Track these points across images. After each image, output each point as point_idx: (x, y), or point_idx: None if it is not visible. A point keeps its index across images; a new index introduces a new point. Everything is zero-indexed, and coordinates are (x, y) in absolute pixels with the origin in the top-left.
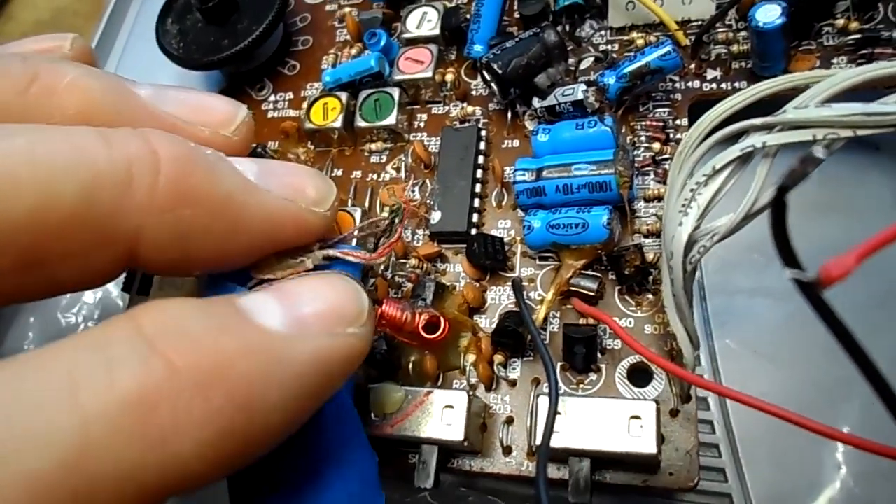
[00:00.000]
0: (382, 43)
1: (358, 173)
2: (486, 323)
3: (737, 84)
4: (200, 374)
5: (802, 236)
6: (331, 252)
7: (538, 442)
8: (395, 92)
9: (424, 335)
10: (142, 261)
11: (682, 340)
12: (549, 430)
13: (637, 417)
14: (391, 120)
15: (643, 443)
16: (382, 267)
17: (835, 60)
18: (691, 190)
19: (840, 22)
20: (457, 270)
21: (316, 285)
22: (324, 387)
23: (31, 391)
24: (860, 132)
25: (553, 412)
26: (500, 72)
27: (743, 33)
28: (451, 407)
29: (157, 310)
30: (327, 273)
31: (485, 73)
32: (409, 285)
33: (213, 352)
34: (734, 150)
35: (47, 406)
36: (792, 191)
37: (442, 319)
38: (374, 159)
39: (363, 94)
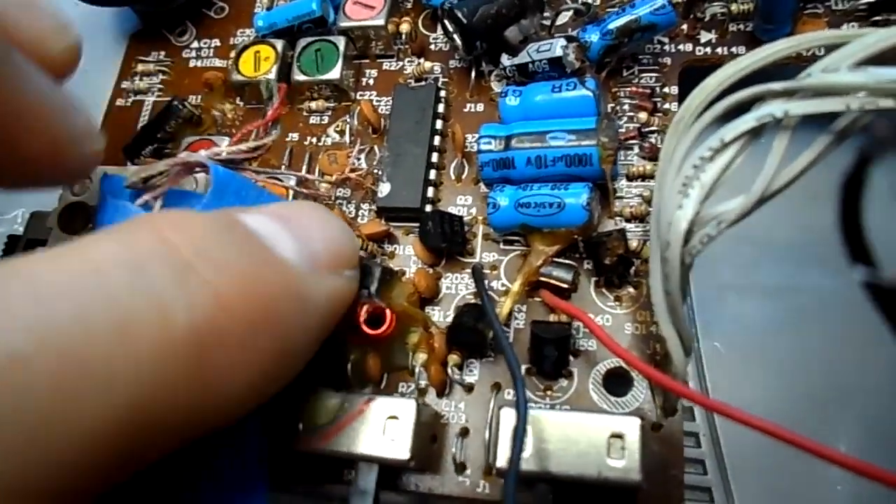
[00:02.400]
0: None
1: (295, 136)
2: (441, 316)
3: (734, 49)
4: (250, 314)
5: (799, 228)
6: (213, 150)
7: (499, 462)
8: (341, 42)
9: (367, 330)
10: None
11: (672, 345)
12: (517, 452)
13: (618, 436)
14: (335, 74)
15: (625, 468)
16: None
17: (844, 26)
18: (694, 167)
19: None
20: (407, 253)
21: (313, 220)
22: (327, 329)
23: (79, 326)
24: None
25: (522, 430)
26: (464, 21)
27: None
28: (396, 418)
29: (180, 223)
30: (310, 204)
31: (446, 22)
32: None
33: (258, 289)
34: (748, 120)
35: (100, 348)
36: (877, 160)
37: (388, 311)
38: (313, 120)
39: (302, 42)
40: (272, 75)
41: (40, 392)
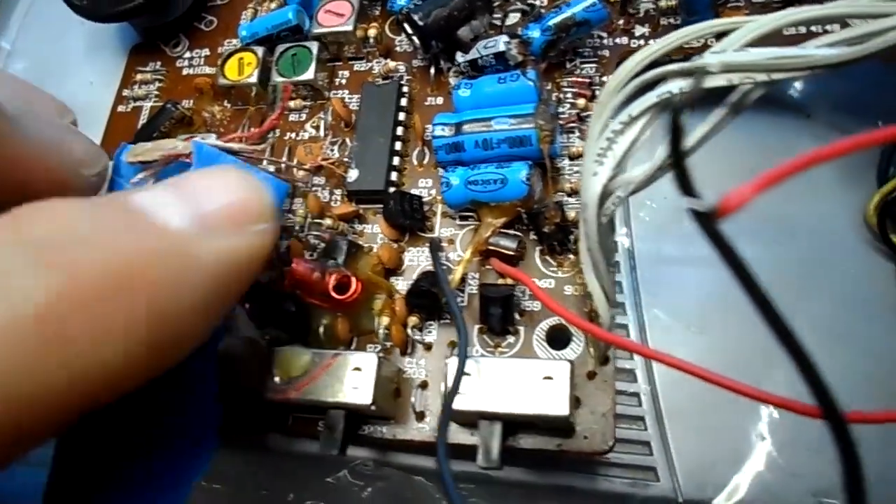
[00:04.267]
0: None
1: (277, 132)
2: (404, 285)
3: None
4: (106, 282)
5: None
6: (210, 140)
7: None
8: (314, 46)
9: (335, 295)
10: None
11: (597, 298)
12: (454, 390)
13: (549, 378)
14: (309, 75)
15: (555, 404)
16: (297, 227)
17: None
18: (607, 139)
19: None
20: (375, 231)
21: (213, 181)
22: (233, 286)
23: None
24: (775, 76)
25: (460, 372)
26: (420, 23)
27: None
28: (360, 370)
29: (42, 212)
30: (224, 167)
31: (406, 26)
32: (323, 245)
33: (122, 257)
34: (650, 97)
35: None
36: (686, 113)
37: (353, 280)
38: (293, 117)
39: (280, 48)
40: (254, 78)
41: None
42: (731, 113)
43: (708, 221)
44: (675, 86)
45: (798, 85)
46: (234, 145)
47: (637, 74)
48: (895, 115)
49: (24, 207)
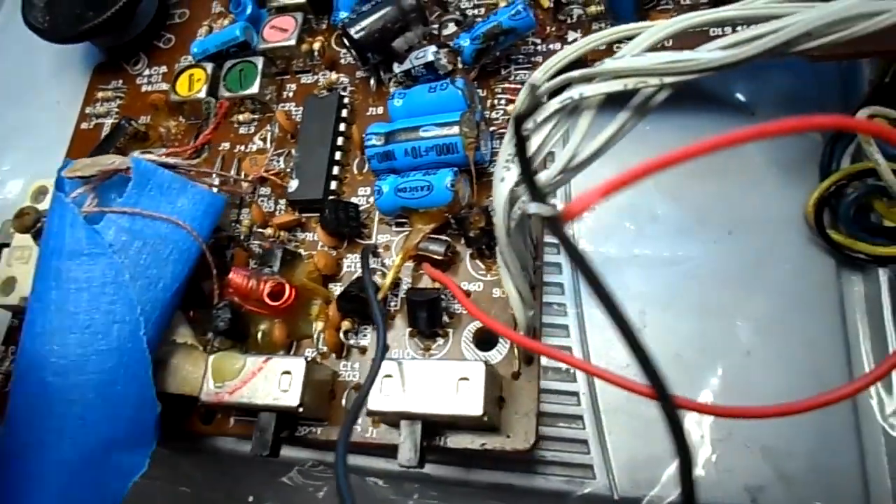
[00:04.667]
0: (248, 11)
1: (226, 145)
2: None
3: None
4: None
5: (680, 201)
6: (147, 156)
7: (369, 405)
8: (259, 61)
9: (269, 302)
10: None
11: (512, 300)
12: (366, 389)
13: (466, 379)
14: (254, 89)
15: (470, 405)
16: (242, 237)
17: None
18: (515, 146)
19: None
20: (315, 239)
21: None
22: None
23: None
24: (667, 79)
25: (375, 371)
26: (355, 36)
27: None
28: (289, 373)
29: None
30: None
31: (345, 39)
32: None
33: None
34: (553, 104)
35: None
36: (527, 120)
37: (287, 287)
38: (242, 130)
39: (227, 64)
40: (203, 94)
41: None
42: (634, 116)
43: (555, 225)
44: (575, 91)
45: (742, 83)
46: (171, 160)
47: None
48: (840, 112)
49: None
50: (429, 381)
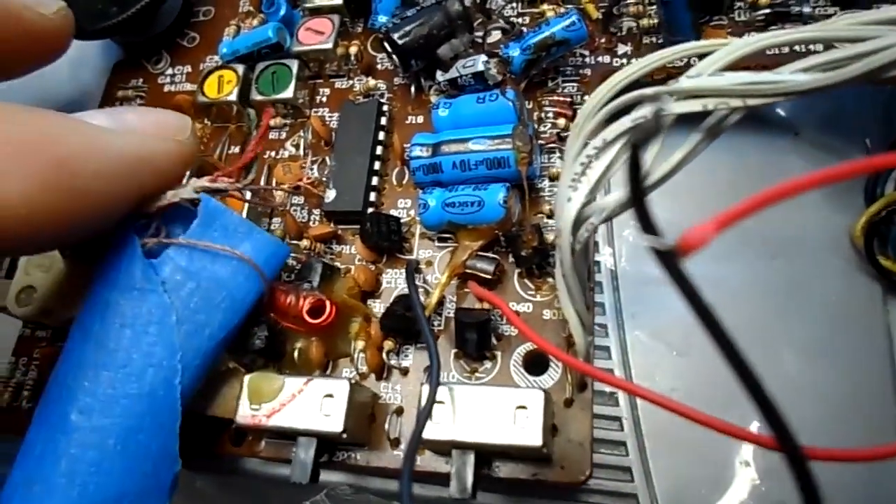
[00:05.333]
0: (282, 12)
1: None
2: (381, 308)
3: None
4: (22, 136)
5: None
6: (199, 183)
7: (424, 434)
8: (294, 64)
9: (309, 319)
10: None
11: (573, 325)
12: (423, 418)
13: (523, 407)
14: (288, 93)
15: (529, 434)
16: None
17: (745, 36)
18: (581, 164)
19: None
20: (352, 252)
21: (140, 109)
22: (143, 174)
23: None
24: (750, 101)
25: (431, 400)
26: (399, 42)
27: (654, 7)
28: (331, 396)
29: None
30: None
31: (386, 44)
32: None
33: (36, 122)
34: (625, 122)
35: None
36: (645, 147)
37: (328, 303)
38: (272, 135)
39: (260, 66)
40: (233, 96)
41: None
42: (707, 137)
43: (669, 260)
44: (649, 110)
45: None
46: (221, 185)
47: (614, 97)
48: (884, 133)
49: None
50: (483, 409)
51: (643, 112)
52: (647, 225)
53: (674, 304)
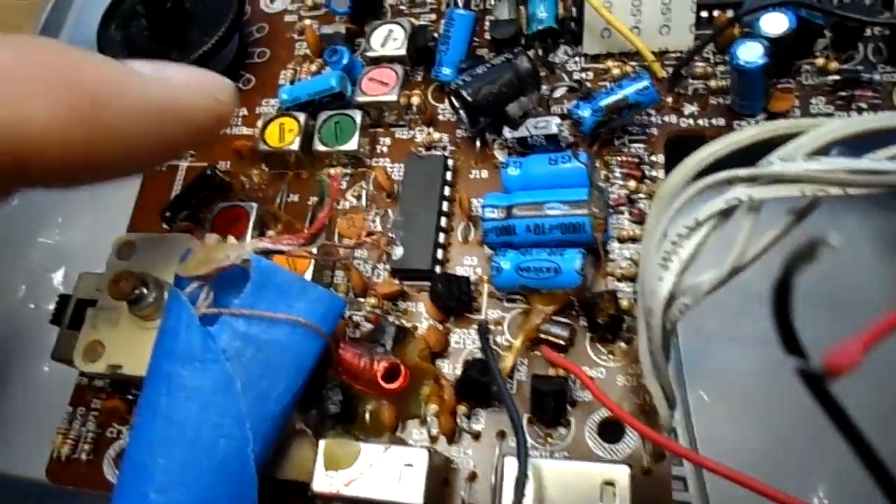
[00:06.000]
0: (345, 61)
1: (315, 199)
2: (450, 368)
3: (714, 121)
4: (54, 67)
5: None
6: (260, 245)
7: None
8: (357, 115)
9: (383, 385)
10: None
11: (657, 400)
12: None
13: (610, 483)
14: (352, 145)
15: None
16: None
17: (813, 101)
18: (672, 242)
19: (820, 61)
20: (419, 310)
21: (183, 66)
22: (174, 123)
23: None
24: (851, 191)
25: (522, 481)
26: (469, 99)
27: (721, 67)
28: (411, 465)
29: (31, 37)
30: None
31: (453, 99)
32: (369, 326)
33: (69, 58)
34: (719, 203)
35: None
36: (796, 272)
37: (402, 367)
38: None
39: (322, 115)
40: (295, 146)
41: None
42: (797, 220)
43: (817, 383)
44: (743, 192)
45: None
46: (283, 246)
47: (700, 172)
48: None
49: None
50: (568, 485)
51: (736, 194)
52: (791, 345)
53: (735, 360)
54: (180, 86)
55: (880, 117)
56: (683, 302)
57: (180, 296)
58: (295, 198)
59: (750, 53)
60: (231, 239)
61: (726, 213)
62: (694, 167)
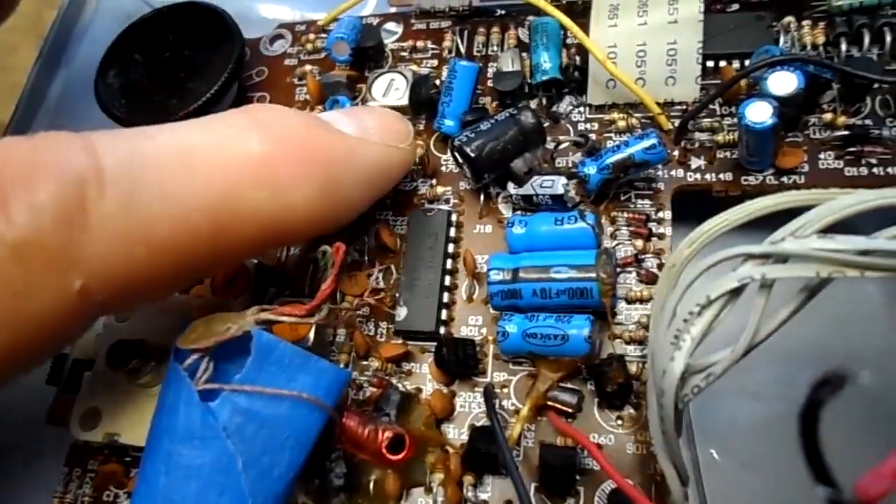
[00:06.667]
0: None
1: (321, 265)
2: (455, 433)
3: (722, 176)
4: (304, 150)
5: (792, 332)
6: (262, 316)
7: None
8: None
9: (388, 456)
10: None
11: (669, 478)
12: None
13: None
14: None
15: None
16: (342, 365)
17: (822, 156)
18: (684, 320)
19: (828, 116)
20: (423, 371)
21: (374, 112)
22: (382, 182)
23: (190, 144)
24: (868, 274)
25: None
26: (473, 156)
27: (728, 120)
28: None
29: (266, 107)
30: (375, 108)
31: (457, 155)
32: (372, 390)
33: (313, 137)
34: (731, 280)
35: (203, 154)
36: (825, 401)
37: (406, 438)
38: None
39: None
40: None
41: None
42: (809, 297)
43: None
44: (756, 271)
45: None
46: (286, 318)
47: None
48: None
49: (252, 106)
50: None
51: (749, 273)
52: (820, 474)
53: (744, 415)
54: (381, 142)
55: (892, 193)
56: (696, 384)
57: (180, 371)
58: (295, 250)
59: (759, 114)
60: (232, 310)
61: (738, 291)
62: (704, 239)
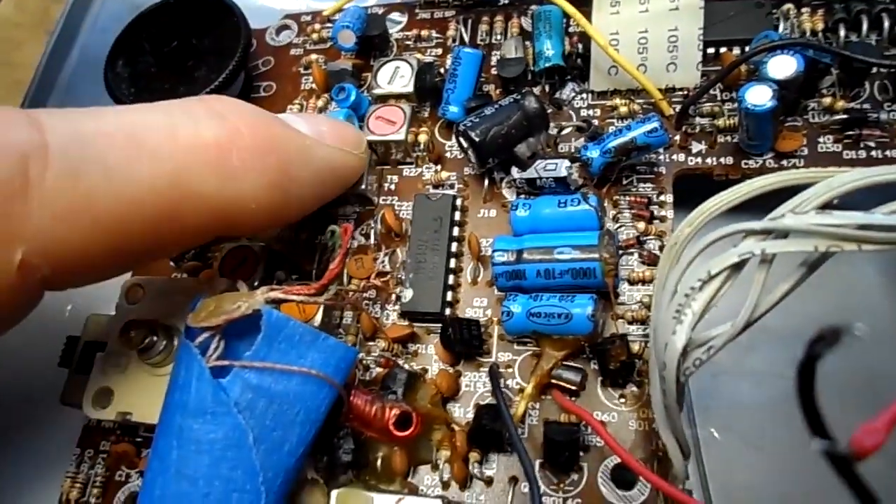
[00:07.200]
0: (351, 99)
1: (328, 246)
2: (461, 412)
3: (722, 160)
4: (258, 141)
5: (794, 313)
6: (271, 294)
7: None
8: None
9: (395, 432)
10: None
11: (671, 451)
12: None
13: None
14: (361, 185)
15: None
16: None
17: (821, 140)
18: (685, 295)
19: (827, 100)
20: (429, 352)
21: (329, 118)
22: (333, 182)
23: (142, 125)
24: (866, 247)
25: None
26: (477, 140)
27: (729, 105)
28: None
29: (224, 99)
30: (331, 117)
31: (461, 140)
32: (379, 370)
33: (267, 130)
34: (731, 256)
35: (154, 136)
36: (824, 355)
37: (413, 415)
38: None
39: None
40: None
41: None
42: (809, 272)
43: (844, 464)
44: (756, 246)
45: None
46: (295, 297)
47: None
48: None
49: (211, 98)
50: None
51: (750, 248)
52: (817, 427)
53: (745, 394)
54: (334, 146)
55: (890, 170)
56: (698, 357)
57: (191, 348)
58: (302, 236)
59: (758, 97)
60: (242, 285)
61: (738, 266)
62: (705, 217)
